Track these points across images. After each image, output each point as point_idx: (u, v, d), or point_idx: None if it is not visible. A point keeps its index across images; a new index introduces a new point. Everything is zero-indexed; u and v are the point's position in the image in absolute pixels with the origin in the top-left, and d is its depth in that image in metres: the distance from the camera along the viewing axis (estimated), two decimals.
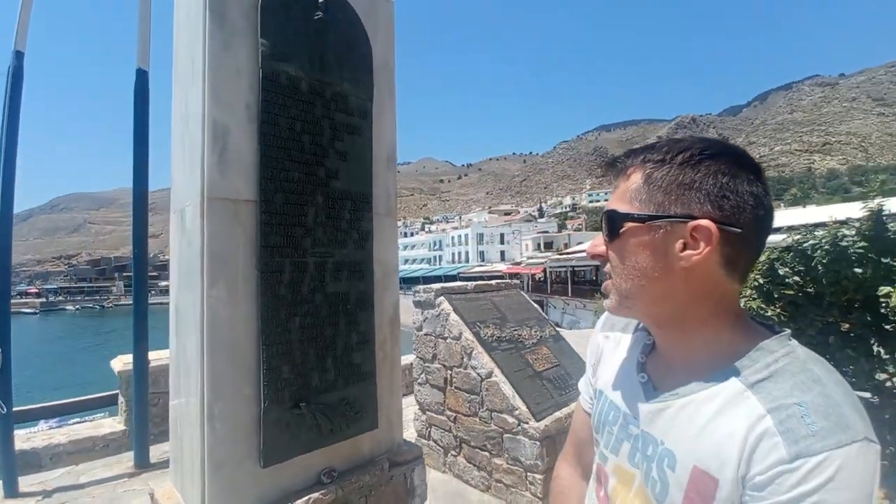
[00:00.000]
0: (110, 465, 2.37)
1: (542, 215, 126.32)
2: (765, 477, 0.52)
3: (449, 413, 3.28)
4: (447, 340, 3.36)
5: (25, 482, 3.04)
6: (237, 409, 1.51)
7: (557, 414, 2.93)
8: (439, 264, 68.95)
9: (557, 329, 4.13)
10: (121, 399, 3.91)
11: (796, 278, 3.15)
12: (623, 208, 0.66)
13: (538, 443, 2.70)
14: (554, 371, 3.34)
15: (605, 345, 0.86)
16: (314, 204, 1.79)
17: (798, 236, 3.49)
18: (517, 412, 2.83)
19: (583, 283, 29.63)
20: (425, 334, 3.57)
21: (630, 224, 0.65)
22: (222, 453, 1.46)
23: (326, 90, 1.86)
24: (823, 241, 3.17)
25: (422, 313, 3.63)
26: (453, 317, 3.37)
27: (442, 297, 3.52)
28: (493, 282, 4.31)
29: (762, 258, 3.73)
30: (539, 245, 54.80)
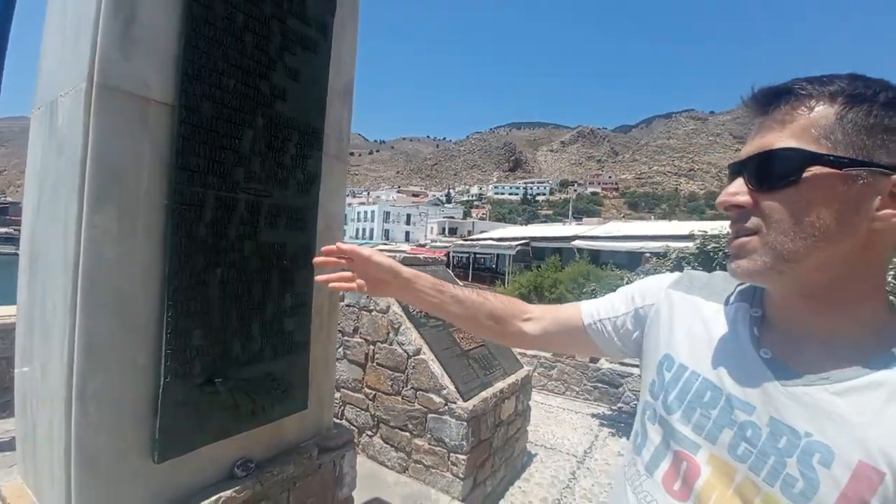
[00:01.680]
0: None
1: (449, 201, 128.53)
2: None
3: (367, 391, 3.03)
4: (372, 313, 3.08)
5: None
6: (124, 383, 1.11)
7: (483, 394, 2.86)
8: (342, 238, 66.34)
9: None
10: None
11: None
12: (809, 147, 0.50)
13: (465, 423, 2.60)
14: (479, 350, 3.27)
15: (675, 304, 0.71)
16: (252, 126, 1.39)
17: (698, 241, 3.99)
18: (445, 391, 2.69)
19: (483, 270, 30.82)
20: (347, 305, 3.23)
21: (818, 169, 0.49)
22: (97, 443, 1.05)
23: None
24: (722, 242, 3.63)
25: None
26: None
27: None
28: (421, 256, 4.10)
29: (672, 255, 4.12)
30: (444, 229, 55.67)
